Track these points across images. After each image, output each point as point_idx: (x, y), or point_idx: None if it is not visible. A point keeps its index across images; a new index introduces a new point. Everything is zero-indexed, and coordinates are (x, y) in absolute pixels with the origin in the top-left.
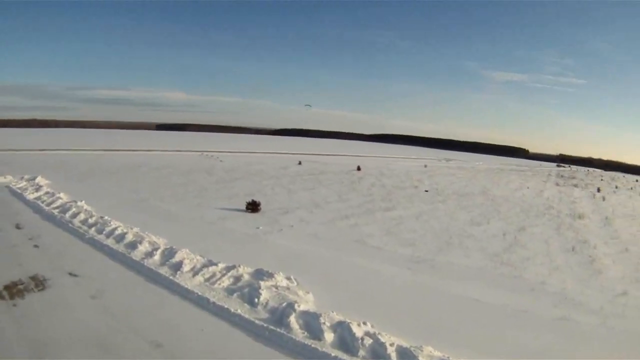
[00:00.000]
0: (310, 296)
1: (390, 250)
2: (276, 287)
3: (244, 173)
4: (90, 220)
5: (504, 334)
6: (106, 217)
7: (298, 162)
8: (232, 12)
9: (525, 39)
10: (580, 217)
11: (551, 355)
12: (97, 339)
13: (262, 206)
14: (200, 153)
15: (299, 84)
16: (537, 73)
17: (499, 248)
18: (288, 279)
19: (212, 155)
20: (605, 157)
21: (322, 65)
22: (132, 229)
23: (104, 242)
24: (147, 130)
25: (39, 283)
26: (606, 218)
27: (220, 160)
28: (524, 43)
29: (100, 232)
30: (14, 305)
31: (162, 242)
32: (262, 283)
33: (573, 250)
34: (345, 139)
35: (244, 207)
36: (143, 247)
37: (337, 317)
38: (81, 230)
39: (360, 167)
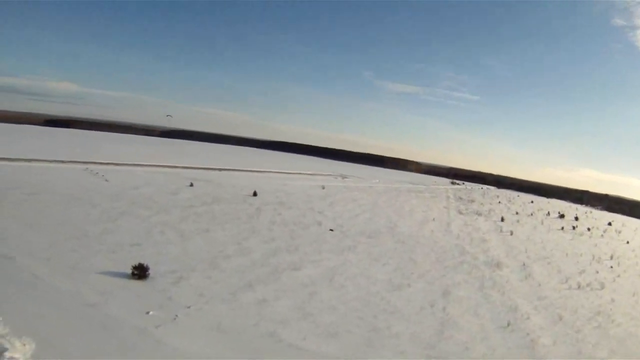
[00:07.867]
0: None
1: (312, 350)
2: None
3: (130, 203)
4: None
5: None
6: None
7: (190, 184)
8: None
9: (424, 53)
10: (498, 266)
11: None
12: None
13: (151, 268)
14: (85, 167)
15: (194, 82)
16: (432, 87)
17: (431, 332)
18: None
19: (97, 173)
20: (495, 172)
21: (215, 64)
22: None
23: None
24: (33, 126)
25: None
26: (523, 265)
27: (106, 180)
28: (422, 57)
29: None
30: None
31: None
32: None
33: (508, 326)
34: (237, 144)
35: (129, 270)
36: None
37: None
38: None
39: (257, 192)
